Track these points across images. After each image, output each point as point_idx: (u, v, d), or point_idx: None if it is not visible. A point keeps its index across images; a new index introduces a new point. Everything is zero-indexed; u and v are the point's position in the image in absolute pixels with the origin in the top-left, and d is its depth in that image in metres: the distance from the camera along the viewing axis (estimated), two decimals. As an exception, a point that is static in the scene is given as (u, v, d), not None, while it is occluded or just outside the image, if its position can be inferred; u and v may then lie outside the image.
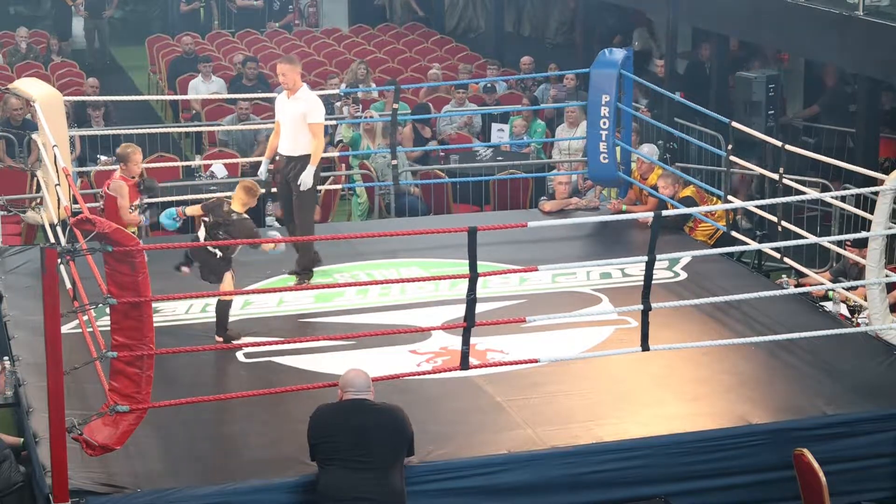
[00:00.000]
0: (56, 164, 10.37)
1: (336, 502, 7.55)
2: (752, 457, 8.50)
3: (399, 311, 10.53)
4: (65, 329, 7.44)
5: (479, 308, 8.39)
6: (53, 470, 7.45)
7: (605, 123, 12.84)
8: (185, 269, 9.96)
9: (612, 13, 21.38)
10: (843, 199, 11.53)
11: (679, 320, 10.13)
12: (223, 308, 9.81)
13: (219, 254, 9.70)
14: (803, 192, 11.07)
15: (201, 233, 9.90)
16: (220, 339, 9.76)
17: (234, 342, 9.72)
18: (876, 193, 9.44)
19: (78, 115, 16.56)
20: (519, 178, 14.70)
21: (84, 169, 14.69)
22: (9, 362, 9.47)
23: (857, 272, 10.80)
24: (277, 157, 11.15)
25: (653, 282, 8.62)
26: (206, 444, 8.38)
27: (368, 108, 17.08)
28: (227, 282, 9.76)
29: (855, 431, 8.68)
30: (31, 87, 11.87)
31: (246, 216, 9.87)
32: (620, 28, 21.31)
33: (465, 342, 8.32)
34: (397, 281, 10.75)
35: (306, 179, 10.77)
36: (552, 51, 23.21)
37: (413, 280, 10.64)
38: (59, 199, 10.69)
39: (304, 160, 10.83)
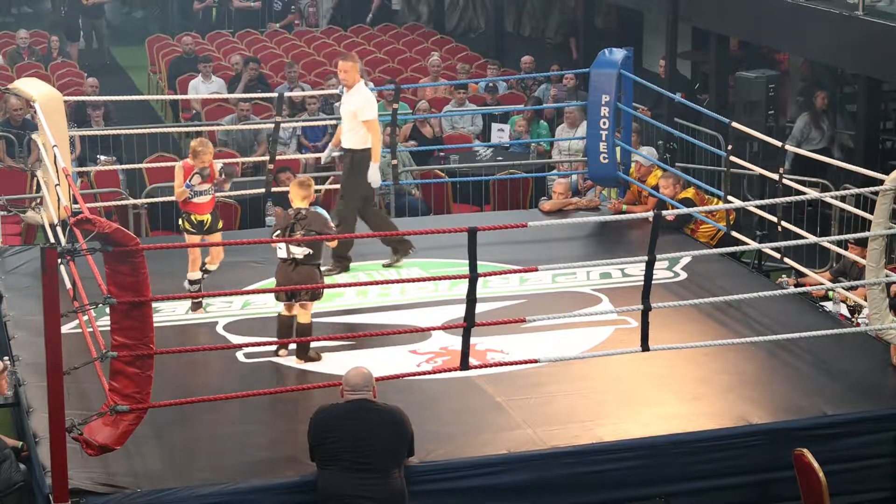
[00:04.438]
0: (56, 164, 10.36)
1: (336, 502, 7.56)
2: (752, 457, 8.50)
3: (399, 311, 10.53)
4: (65, 329, 7.45)
5: (479, 308, 8.39)
6: (53, 470, 7.44)
7: (604, 123, 12.84)
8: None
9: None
10: (842, 199, 11.52)
11: (679, 320, 10.13)
12: (307, 332, 9.44)
13: (302, 253, 9.31)
14: (803, 192, 11.07)
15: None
16: (300, 361, 9.46)
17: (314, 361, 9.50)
18: (876, 193, 9.44)
19: (78, 115, 16.56)
20: (519, 178, 14.71)
21: (84, 169, 14.69)
22: (9, 362, 9.46)
23: (858, 272, 10.79)
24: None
25: (653, 282, 8.62)
26: (206, 444, 8.37)
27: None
28: (307, 312, 9.47)
29: (855, 431, 8.68)
30: (31, 87, 11.86)
31: (316, 209, 9.82)
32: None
33: (465, 342, 8.32)
34: (397, 281, 10.77)
35: (373, 177, 11.34)
36: (552, 51, 23.23)
37: (413, 280, 10.64)
38: (59, 199, 10.69)
39: (360, 154, 11.31)
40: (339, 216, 11.42)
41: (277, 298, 9.60)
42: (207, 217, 10.44)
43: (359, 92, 11.28)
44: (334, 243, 9.78)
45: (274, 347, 9.51)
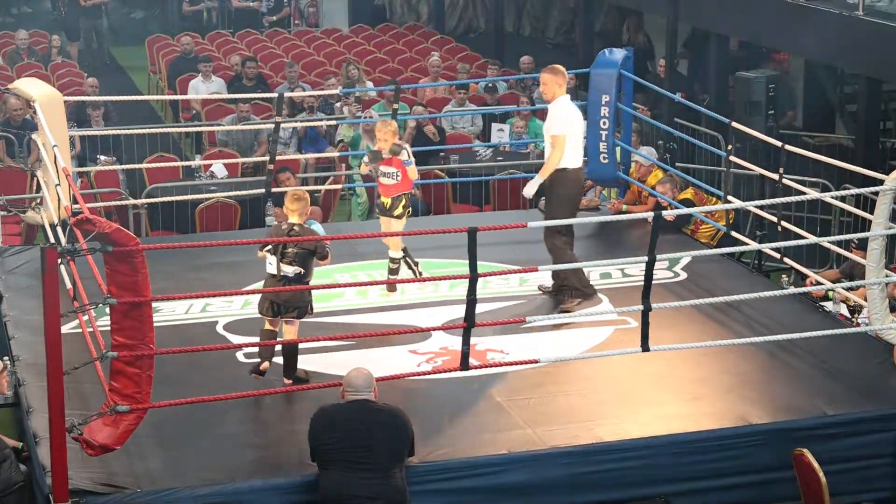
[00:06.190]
0: (56, 164, 10.36)
1: (337, 502, 7.56)
2: (752, 457, 8.50)
3: (399, 311, 10.52)
4: (65, 329, 7.45)
5: (479, 308, 8.39)
6: (53, 470, 7.44)
7: (605, 124, 12.83)
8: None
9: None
10: (842, 199, 11.52)
11: (679, 320, 10.13)
12: (292, 350, 9.07)
13: (293, 272, 8.92)
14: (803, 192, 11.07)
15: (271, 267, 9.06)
16: (289, 382, 9.02)
17: (305, 384, 8.94)
18: (876, 193, 9.44)
19: (78, 115, 16.56)
20: (519, 178, 14.69)
21: (84, 169, 14.70)
22: (9, 362, 9.46)
23: (862, 274, 10.78)
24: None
25: (653, 282, 8.62)
26: (206, 444, 8.37)
27: (369, 109, 17.10)
28: (292, 330, 9.07)
29: (855, 431, 8.67)
30: (31, 87, 11.86)
31: (311, 224, 9.56)
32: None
33: (465, 342, 8.33)
34: (398, 281, 10.75)
35: (526, 190, 10.44)
36: (552, 51, 23.23)
37: (413, 280, 10.63)
38: (59, 199, 10.69)
39: (558, 174, 10.35)
40: (552, 251, 10.51)
41: (261, 312, 9.13)
42: (387, 201, 10.56)
43: (552, 107, 10.44)
44: (327, 261, 9.17)
45: (264, 352, 9.41)
